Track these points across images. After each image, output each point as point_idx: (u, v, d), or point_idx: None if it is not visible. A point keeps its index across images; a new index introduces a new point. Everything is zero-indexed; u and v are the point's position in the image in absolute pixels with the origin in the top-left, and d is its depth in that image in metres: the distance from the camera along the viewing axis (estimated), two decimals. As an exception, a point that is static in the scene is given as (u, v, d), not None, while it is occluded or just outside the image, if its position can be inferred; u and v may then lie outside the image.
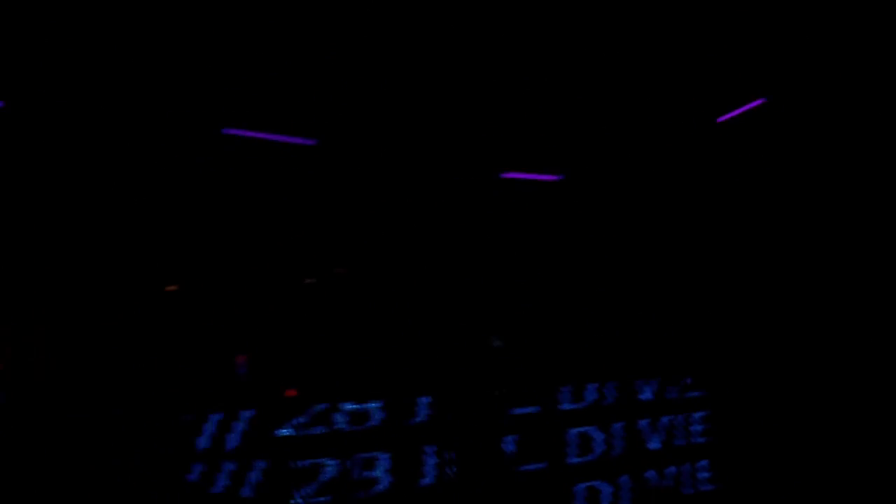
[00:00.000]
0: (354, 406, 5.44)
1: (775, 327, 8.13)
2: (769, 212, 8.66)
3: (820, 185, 8.23)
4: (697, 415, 6.93)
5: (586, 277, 8.67)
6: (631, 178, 9.59)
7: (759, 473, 7.24)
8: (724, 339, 8.11)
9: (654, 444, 6.61)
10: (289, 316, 7.27)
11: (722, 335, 8.23)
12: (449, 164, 8.16)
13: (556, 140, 8.95)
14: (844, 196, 7.99)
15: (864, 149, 7.84)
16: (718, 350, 7.72)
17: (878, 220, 7.69)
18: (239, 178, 7.43)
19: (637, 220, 9.36)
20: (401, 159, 7.83)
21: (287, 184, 7.55)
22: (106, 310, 6.98)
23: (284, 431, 5.15)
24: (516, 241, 8.60)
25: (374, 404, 5.51)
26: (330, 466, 5.31)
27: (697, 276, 8.95)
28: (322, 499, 5.22)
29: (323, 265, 7.52)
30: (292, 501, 5.13)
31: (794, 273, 8.28)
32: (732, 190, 9.07)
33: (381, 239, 7.87)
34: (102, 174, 7.16)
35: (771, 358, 7.94)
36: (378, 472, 5.45)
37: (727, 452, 6.96)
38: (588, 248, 8.90)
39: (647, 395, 6.69)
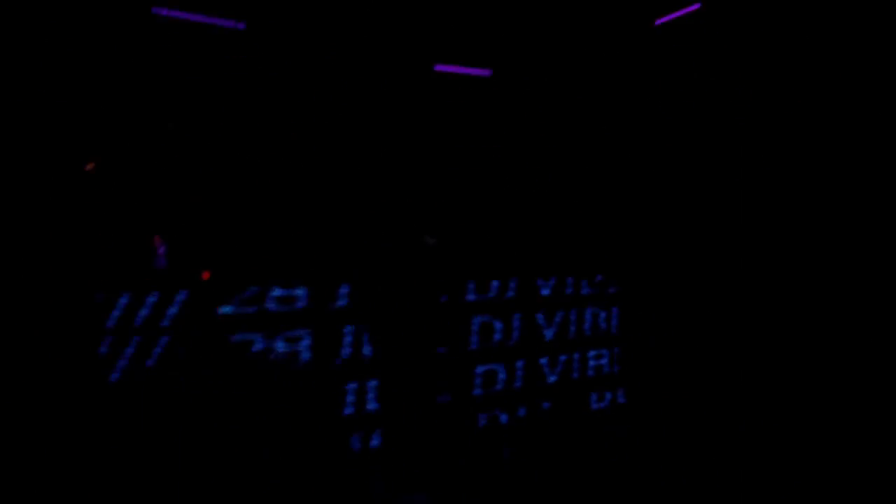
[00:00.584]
0: (282, 291, 6.09)
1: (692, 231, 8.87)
2: (698, 113, 9.28)
3: (750, 91, 8.81)
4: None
5: (514, 175, 9.19)
6: (562, 77, 10.04)
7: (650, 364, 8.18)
8: (639, 239, 8.88)
9: (549, 335, 7.49)
10: (219, 197, 7.62)
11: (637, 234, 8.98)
12: (384, 56, 8.49)
13: (487, 34, 9.30)
14: (772, 104, 8.57)
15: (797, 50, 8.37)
16: (631, 250, 8.54)
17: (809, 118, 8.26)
18: (160, 55, 7.61)
19: (566, 119, 9.87)
20: (341, 47, 8.13)
21: (209, 63, 7.77)
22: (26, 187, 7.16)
23: (225, 309, 5.78)
24: (446, 136, 9.06)
25: (300, 290, 6.17)
26: (258, 342, 5.98)
27: (622, 177, 9.59)
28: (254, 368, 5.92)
29: (261, 151, 7.85)
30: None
31: (716, 177, 8.94)
32: (662, 92, 9.64)
33: (314, 126, 8.22)
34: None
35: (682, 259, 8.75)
36: (301, 348, 6.16)
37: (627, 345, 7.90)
38: (517, 145, 9.41)
39: (546, 291, 7.52)
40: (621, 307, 7.95)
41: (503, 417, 7.07)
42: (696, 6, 8.86)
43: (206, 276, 5.97)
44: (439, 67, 8.98)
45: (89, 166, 7.30)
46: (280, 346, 6.03)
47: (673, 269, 8.55)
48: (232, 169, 7.79)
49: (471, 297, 6.96)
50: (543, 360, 7.38)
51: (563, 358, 7.52)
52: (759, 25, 8.72)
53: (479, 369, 6.97)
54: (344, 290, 6.33)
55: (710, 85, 9.20)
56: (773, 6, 8.55)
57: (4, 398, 5.58)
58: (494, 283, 7.10)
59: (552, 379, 7.43)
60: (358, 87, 8.68)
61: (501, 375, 7.09)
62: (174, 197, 7.57)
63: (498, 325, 7.09)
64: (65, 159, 7.23)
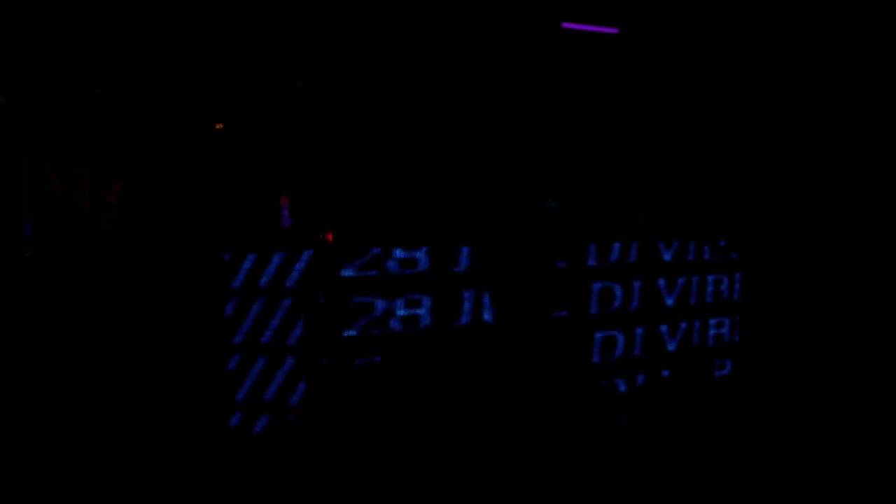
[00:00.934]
0: (404, 253, 6.01)
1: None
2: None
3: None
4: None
5: (639, 137, 8.92)
6: (688, 36, 9.67)
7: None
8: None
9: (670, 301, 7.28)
10: (344, 159, 7.65)
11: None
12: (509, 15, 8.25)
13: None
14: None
15: None
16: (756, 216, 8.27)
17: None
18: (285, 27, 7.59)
19: (697, 81, 9.51)
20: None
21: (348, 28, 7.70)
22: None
23: (347, 272, 5.74)
24: (572, 96, 8.82)
25: (420, 252, 6.08)
26: (380, 304, 5.94)
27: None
28: (374, 331, 5.89)
29: (386, 114, 7.80)
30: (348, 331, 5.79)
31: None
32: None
33: (438, 87, 8.11)
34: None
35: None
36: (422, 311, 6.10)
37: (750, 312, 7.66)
38: (643, 105, 9.11)
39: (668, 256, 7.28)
40: (744, 274, 7.66)
41: (622, 385, 6.95)
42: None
43: (329, 237, 5.95)
44: (567, 25, 8.68)
45: (218, 126, 7.36)
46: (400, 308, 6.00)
47: (803, 239, 8.24)
48: (359, 132, 7.77)
49: (591, 261, 6.78)
50: (664, 328, 7.19)
51: (683, 325, 7.31)
52: None
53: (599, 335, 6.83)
54: (465, 252, 6.22)
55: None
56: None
57: (137, 353, 5.72)
58: (616, 246, 6.90)
59: (672, 347, 7.26)
60: (481, 46, 8.49)
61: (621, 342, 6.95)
62: (300, 158, 7.61)
63: (618, 290, 6.92)
64: (194, 120, 7.35)
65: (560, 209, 7.72)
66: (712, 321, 7.52)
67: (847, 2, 8.90)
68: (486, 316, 6.31)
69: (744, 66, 9.62)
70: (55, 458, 5.29)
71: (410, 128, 8.04)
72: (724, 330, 7.59)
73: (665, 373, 7.19)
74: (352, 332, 5.81)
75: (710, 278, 7.48)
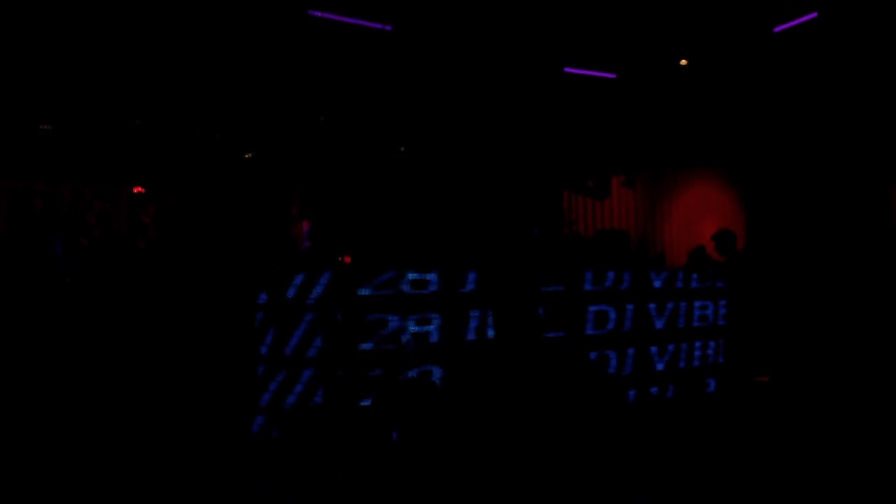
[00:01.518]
0: (416, 275, 6.59)
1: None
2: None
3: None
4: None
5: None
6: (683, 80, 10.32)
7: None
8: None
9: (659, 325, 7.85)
10: (360, 192, 8.25)
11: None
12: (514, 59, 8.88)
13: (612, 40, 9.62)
14: None
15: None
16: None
17: None
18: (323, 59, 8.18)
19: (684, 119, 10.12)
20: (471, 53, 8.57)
21: (364, 66, 8.32)
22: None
23: (364, 291, 6.32)
24: (572, 133, 9.46)
25: (431, 275, 6.66)
26: (393, 321, 6.51)
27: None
28: (386, 346, 6.45)
29: (388, 144, 8.40)
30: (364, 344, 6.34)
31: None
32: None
33: (446, 125, 8.73)
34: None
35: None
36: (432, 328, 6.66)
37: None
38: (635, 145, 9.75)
39: (658, 283, 7.86)
40: (729, 300, 8.24)
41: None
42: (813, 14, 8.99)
43: (347, 260, 6.54)
44: (568, 70, 9.33)
45: (247, 155, 7.97)
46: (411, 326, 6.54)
47: (784, 266, 8.83)
48: (379, 166, 8.37)
49: (587, 286, 7.36)
50: (653, 349, 7.76)
51: (671, 347, 7.88)
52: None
53: (593, 355, 7.38)
54: (472, 276, 6.80)
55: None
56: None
57: (170, 359, 6.26)
58: (610, 274, 7.49)
59: (659, 367, 7.82)
60: (488, 86, 9.11)
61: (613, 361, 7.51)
62: (321, 187, 8.21)
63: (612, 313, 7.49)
64: (225, 148, 7.94)
65: (541, 235, 8.29)
66: (698, 343, 8.08)
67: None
68: (490, 333, 6.86)
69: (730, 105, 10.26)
70: (95, 463, 5.79)
71: (425, 160, 8.63)
72: (710, 351, 8.15)
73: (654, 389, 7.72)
74: (367, 346, 6.35)
75: (697, 304, 8.05)
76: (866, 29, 9.28)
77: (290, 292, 6.21)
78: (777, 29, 9.34)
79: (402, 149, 8.39)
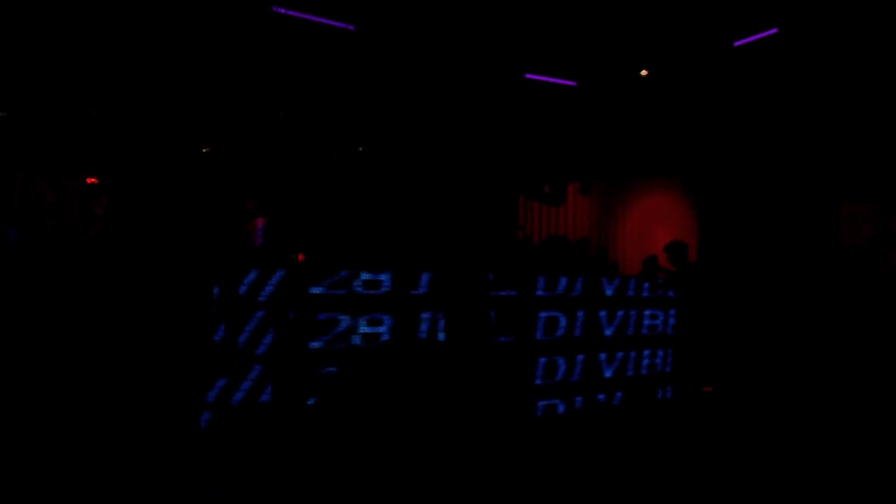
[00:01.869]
0: (369, 275, 6.61)
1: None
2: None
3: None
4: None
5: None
6: (643, 90, 10.48)
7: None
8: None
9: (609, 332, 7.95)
10: (313, 190, 8.25)
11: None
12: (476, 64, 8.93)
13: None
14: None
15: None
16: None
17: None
18: (281, 55, 8.17)
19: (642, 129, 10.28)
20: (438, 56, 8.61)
21: (327, 66, 8.30)
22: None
23: (316, 289, 6.32)
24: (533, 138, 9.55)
25: (384, 275, 6.69)
26: (344, 320, 6.52)
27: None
28: (337, 345, 6.46)
29: (347, 144, 8.41)
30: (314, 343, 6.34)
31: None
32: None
33: (405, 126, 8.76)
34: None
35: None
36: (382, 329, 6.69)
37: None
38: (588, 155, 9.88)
39: (609, 290, 7.97)
40: (679, 310, 8.38)
41: (560, 407, 7.57)
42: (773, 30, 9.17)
43: (301, 258, 6.53)
44: (529, 76, 9.39)
45: (204, 150, 7.92)
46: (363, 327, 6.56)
47: (734, 278, 9.02)
48: (334, 167, 8.36)
49: (539, 292, 7.44)
50: (602, 356, 7.86)
51: (619, 355, 7.99)
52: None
53: (542, 360, 7.45)
54: (425, 278, 6.84)
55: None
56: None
57: (121, 355, 6.21)
58: (563, 280, 7.57)
59: (608, 374, 7.92)
60: (448, 88, 9.16)
61: (562, 367, 7.58)
62: (277, 184, 8.18)
63: (563, 319, 7.57)
64: (182, 143, 7.88)
65: (495, 238, 8.36)
66: (647, 352, 8.20)
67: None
68: (441, 336, 6.90)
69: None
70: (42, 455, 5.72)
71: (383, 161, 8.65)
72: (658, 360, 8.28)
73: (601, 396, 7.82)
74: (317, 345, 6.35)
75: (647, 312, 8.17)
76: (824, 47, 9.52)
77: (243, 289, 6.19)
78: (738, 43, 9.54)
79: (361, 149, 8.42)
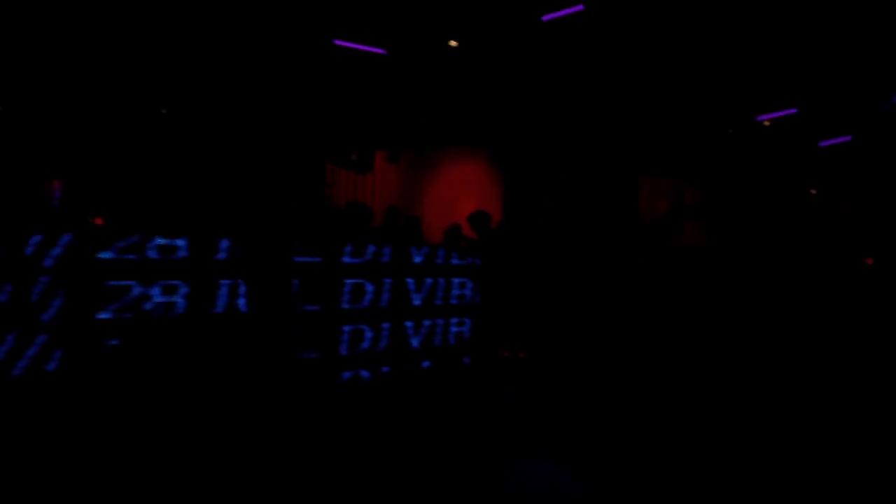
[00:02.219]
0: (164, 241, 6.34)
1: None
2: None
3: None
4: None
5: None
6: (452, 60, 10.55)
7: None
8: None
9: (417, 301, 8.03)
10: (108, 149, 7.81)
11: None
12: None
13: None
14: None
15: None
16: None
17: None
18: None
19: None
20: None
21: (120, 19, 7.84)
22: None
23: (106, 254, 5.99)
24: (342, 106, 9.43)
25: (181, 241, 6.43)
26: (136, 288, 6.22)
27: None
28: (126, 315, 6.16)
29: (148, 105, 8.02)
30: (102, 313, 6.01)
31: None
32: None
33: (208, 89, 8.43)
34: None
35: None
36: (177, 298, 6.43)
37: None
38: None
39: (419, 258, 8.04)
40: (481, 279, 8.57)
41: (365, 374, 7.59)
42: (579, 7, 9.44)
43: (98, 221, 6.17)
44: (338, 42, 9.23)
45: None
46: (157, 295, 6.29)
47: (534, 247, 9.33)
48: (134, 129, 7.93)
49: (346, 259, 7.40)
50: (409, 324, 7.93)
51: (427, 322, 8.09)
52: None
53: (347, 328, 7.43)
54: (225, 244, 6.63)
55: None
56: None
57: None
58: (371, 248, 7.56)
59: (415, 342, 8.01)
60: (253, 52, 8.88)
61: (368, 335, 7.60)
62: (75, 146, 7.68)
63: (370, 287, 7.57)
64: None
65: (300, 206, 8.26)
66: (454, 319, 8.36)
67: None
68: (241, 305, 6.73)
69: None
70: None
71: (186, 125, 8.32)
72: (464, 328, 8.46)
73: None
74: (106, 315, 6.04)
75: (456, 281, 8.31)
76: (627, 26, 9.93)
77: (28, 251, 5.79)
78: (546, 17, 9.77)
79: (164, 111, 8.04)
